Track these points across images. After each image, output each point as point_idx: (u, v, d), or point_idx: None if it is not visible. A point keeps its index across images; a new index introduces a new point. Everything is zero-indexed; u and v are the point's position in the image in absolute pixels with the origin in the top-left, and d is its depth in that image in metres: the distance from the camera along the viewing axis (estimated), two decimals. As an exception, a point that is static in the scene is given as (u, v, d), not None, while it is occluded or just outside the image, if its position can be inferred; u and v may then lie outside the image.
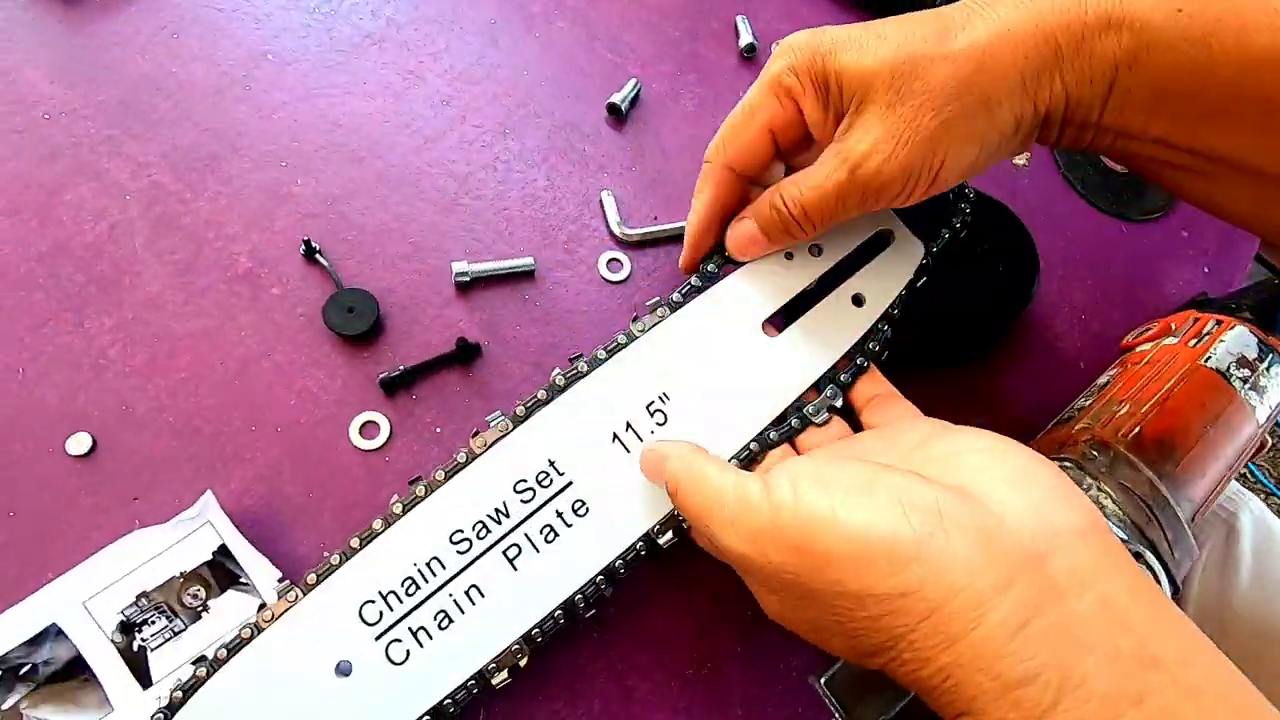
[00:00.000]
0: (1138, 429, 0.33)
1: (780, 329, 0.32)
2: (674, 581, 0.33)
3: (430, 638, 0.28)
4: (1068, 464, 0.32)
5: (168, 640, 0.29)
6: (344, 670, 0.28)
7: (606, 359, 0.31)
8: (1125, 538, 0.28)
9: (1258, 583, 0.43)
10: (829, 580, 0.22)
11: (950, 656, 0.20)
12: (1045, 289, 0.43)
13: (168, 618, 0.29)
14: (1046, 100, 0.27)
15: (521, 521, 0.29)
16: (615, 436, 0.30)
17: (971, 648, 0.20)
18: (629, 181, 0.41)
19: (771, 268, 0.33)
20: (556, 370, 0.31)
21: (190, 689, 0.27)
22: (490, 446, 0.30)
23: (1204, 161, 0.27)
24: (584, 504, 0.30)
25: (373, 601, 0.28)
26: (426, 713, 0.28)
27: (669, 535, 0.30)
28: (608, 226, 0.40)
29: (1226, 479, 0.35)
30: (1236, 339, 0.37)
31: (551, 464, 0.30)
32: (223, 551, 0.30)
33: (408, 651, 0.28)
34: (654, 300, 0.32)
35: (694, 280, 0.32)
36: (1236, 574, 0.43)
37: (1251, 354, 0.37)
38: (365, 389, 0.34)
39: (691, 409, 0.31)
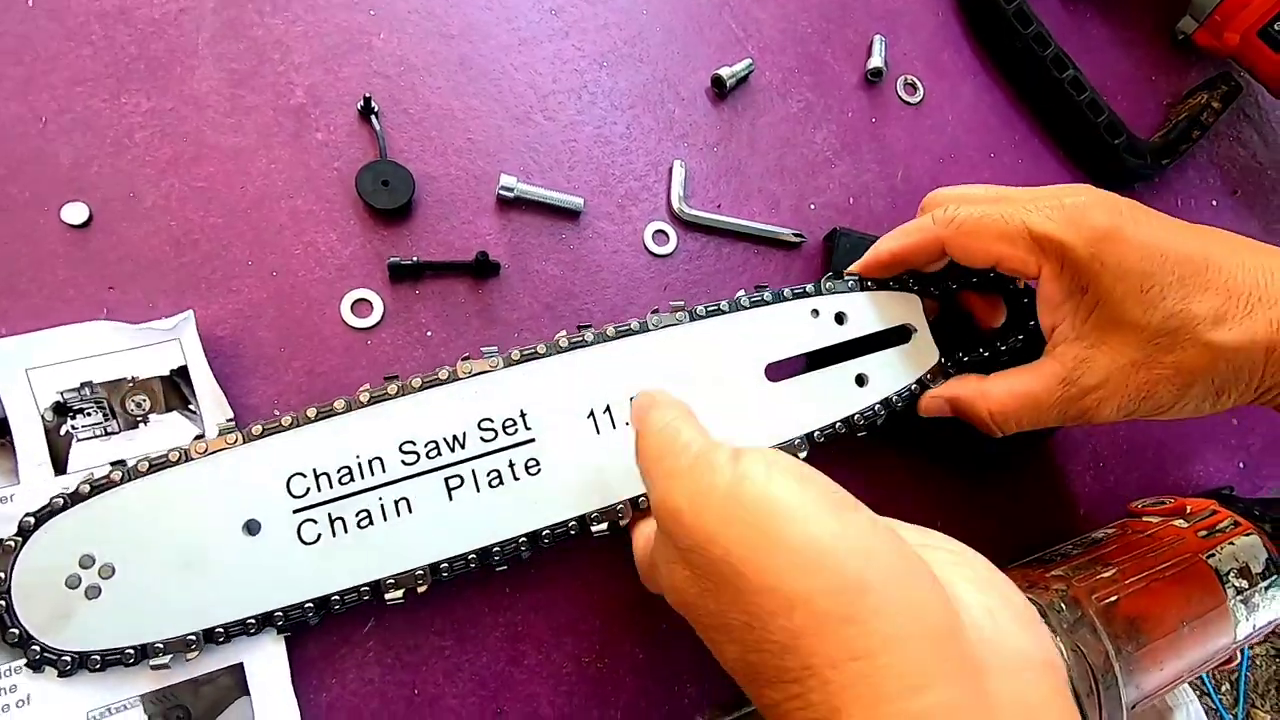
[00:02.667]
0: (1114, 599, 0.32)
1: (780, 378, 0.32)
2: (597, 574, 0.33)
3: (345, 531, 0.28)
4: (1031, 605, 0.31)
5: (96, 437, 0.29)
6: (251, 529, 0.28)
7: (614, 338, 0.31)
8: None
9: None
10: (764, 569, 0.19)
11: (867, 717, 0.18)
12: (1074, 429, 0.42)
13: (105, 415, 0.29)
14: (1267, 396, 0.28)
15: (474, 457, 0.29)
16: (591, 413, 0.30)
17: (899, 718, 0.18)
18: (706, 160, 0.40)
19: (794, 318, 0.33)
20: (563, 332, 0.31)
21: (100, 488, 0.27)
22: (473, 375, 0.30)
23: None
24: (537, 464, 0.30)
25: (304, 475, 0.28)
26: (313, 600, 0.28)
27: (603, 525, 0.30)
28: (669, 196, 0.38)
29: (1182, 680, 0.34)
30: (1247, 547, 0.36)
31: (523, 415, 0.30)
32: (181, 373, 0.30)
33: (319, 535, 0.28)
34: (678, 301, 0.32)
35: (723, 305, 0.32)
36: None
37: (1256, 568, 0.35)
38: (371, 266, 0.33)
39: None
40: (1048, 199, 0.29)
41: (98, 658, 0.26)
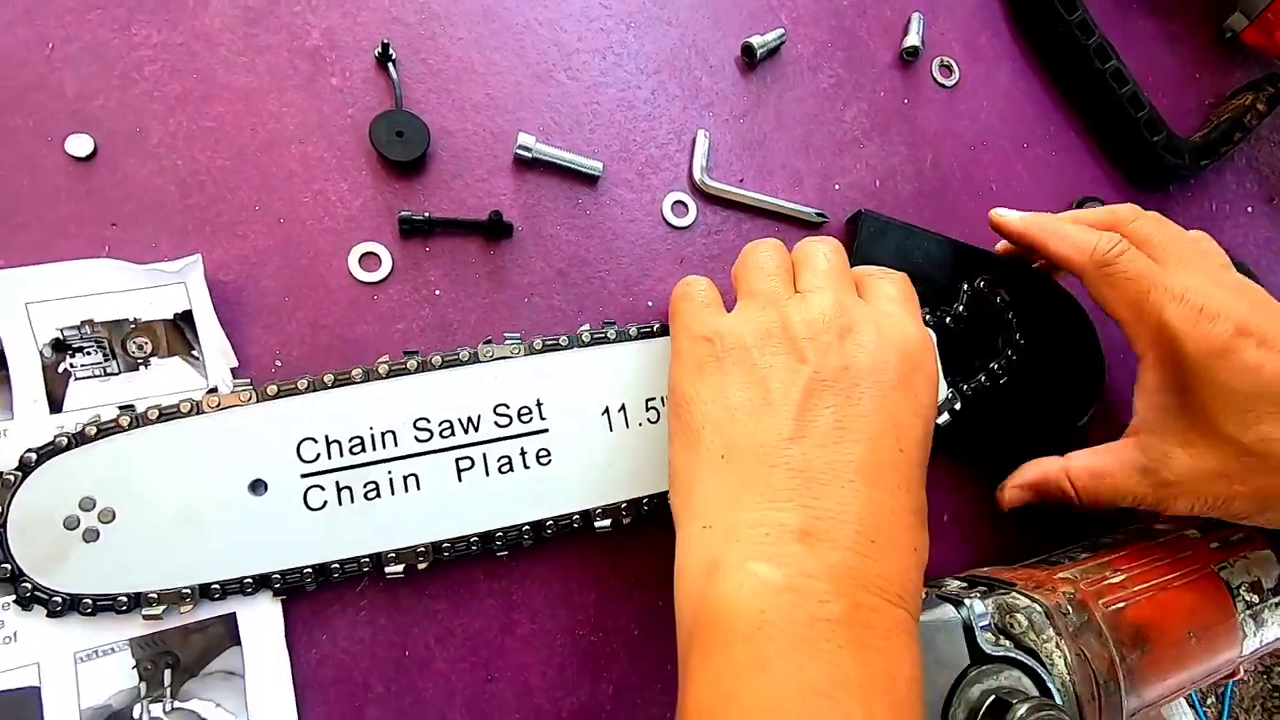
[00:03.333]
0: (1122, 605, 0.32)
1: None
2: (595, 553, 0.32)
3: (351, 501, 0.28)
4: (1038, 608, 0.31)
5: (95, 377, 0.28)
6: (257, 489, 0.28)
7: (635, 338, 0.32)
8: (1062, 705, 0.26)
9: None
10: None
11: None
12: (1109, 429, 0.41)
13: (105, 356, 0.28)
14: None
15: (486, 441, 0.29)
16: (606, 410, 0.31)
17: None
18: (731, 131, 0.38)
19: None
20: (586, 326, 0.32)
21: (106, 431, 0.27)
22: (494, 359, 0.30)
23: None
24: (549, 455, 0.30)
25: (315, 441, 0.28)
26: (313, 565, 0.28)
27: (606, 522, 0.30)
28: (690, 167, 0.37)
29: (1184, 691, 0.33)
30: (1261, 562, 0.35)
31: (539, 405, 0.30)
32: (185, 318, 0.29)
33: (325, 502, 0.28)
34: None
35: None
36: None
37: (1268, 583, 0.35)
38: (382, 219, 0.32)
39: None
40: (1196, 294, 0.29)
41: (89, 602, 0.26)
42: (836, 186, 0.40)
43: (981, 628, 0.28)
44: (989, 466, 0.38)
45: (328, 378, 0.28)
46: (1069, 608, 0.31)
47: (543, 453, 0.30)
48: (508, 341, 0.30)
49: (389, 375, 0.29)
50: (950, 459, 0.37)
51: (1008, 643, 0.29)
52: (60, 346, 0.28)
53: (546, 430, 0.30)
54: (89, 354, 0.28)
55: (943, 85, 0.43)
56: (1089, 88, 0.44)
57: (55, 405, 0.28)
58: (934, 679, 0.27)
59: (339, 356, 0.31)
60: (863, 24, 0.42)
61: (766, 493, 0.24)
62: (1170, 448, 0.30)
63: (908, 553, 0.24)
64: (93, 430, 0.27)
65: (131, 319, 0.29)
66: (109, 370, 0.28)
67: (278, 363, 0.30)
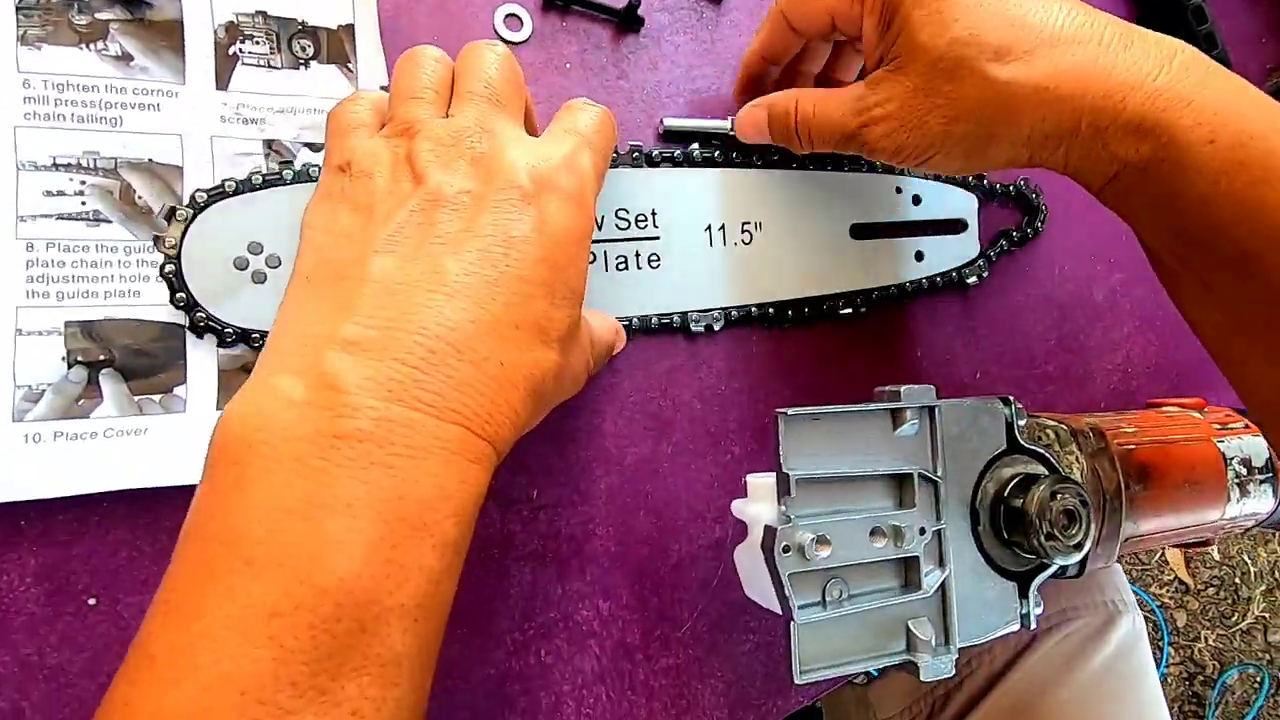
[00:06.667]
0: (1132, 447, 0.36)
1: (860, 238, 0.38)
2: (685, 349, 0.36)
3: None
4: (1063, 428, 0.35)
5: (260, 66, 0.31)
6: None
7: (738, 165, 0.36)
8: (1086, 499, 0.30)
9: (1081, 693, 0.46)
10: None
11: None
12: (1109, 332, 0.45)
13: (271, 49, 0.31)
14: (1044, 160, 0.29)
15: (608, 240, 0.34)
16: (708, 228, 0.36)
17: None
18: None
19: (881, 190, 0.39)
20: (695, 145, 0.35)
21: (271, 182, 0.30)
22: (616, 167, 0.34)
23: (1178, 273, 0.30)
24: (658, 259, 0.35)
25: None
26: None
27: (700, 325, 0.35)
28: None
29: (1169, 539, 0.38)
30: (1253, 444, 0.40)
31: (653, 214, 0.35)
32: (347, 31, 0.32)
33: None
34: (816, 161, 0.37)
35: (834, 162, 0.38)
36: (1075, 671, 0.47)
37: (1257, 463, 0.39)
38: (528, -13, 0.35)
39: (772, 247, 0.37)
40: None
41: (258, 336, 0.29)
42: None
43: (1020, 425, 0.32)
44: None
45: None
46: (1090, 433, 0.35)
47: (654, 257, 0.35)
48: (629, 148, 0.34)
49: None
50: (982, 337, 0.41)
51: (1036, 449, 0.33)
52: (233, 29, 0.30)
53: (659, 238, 0.35)
54: (258, 43, 0.31)
55: None
56: (1169, 15, 0.48)
57: (221, 83, 0.30)
58: (977, 449, 0.31)
59: (474, 103, 0.34)
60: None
61: (332, 305, 0.22)
62: (883, 76, 0.29)
63: (483, 365, 0.22)
64: (258, 179, 0.29)
65: (300, 20, 0.31)
66: (273, 64, 0.31)
67: (420, 94, 0.33)
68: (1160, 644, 1.20)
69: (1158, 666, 1.18)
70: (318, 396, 0.20)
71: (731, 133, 0.36)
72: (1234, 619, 1.25)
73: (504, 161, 0.24)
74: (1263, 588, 1.26)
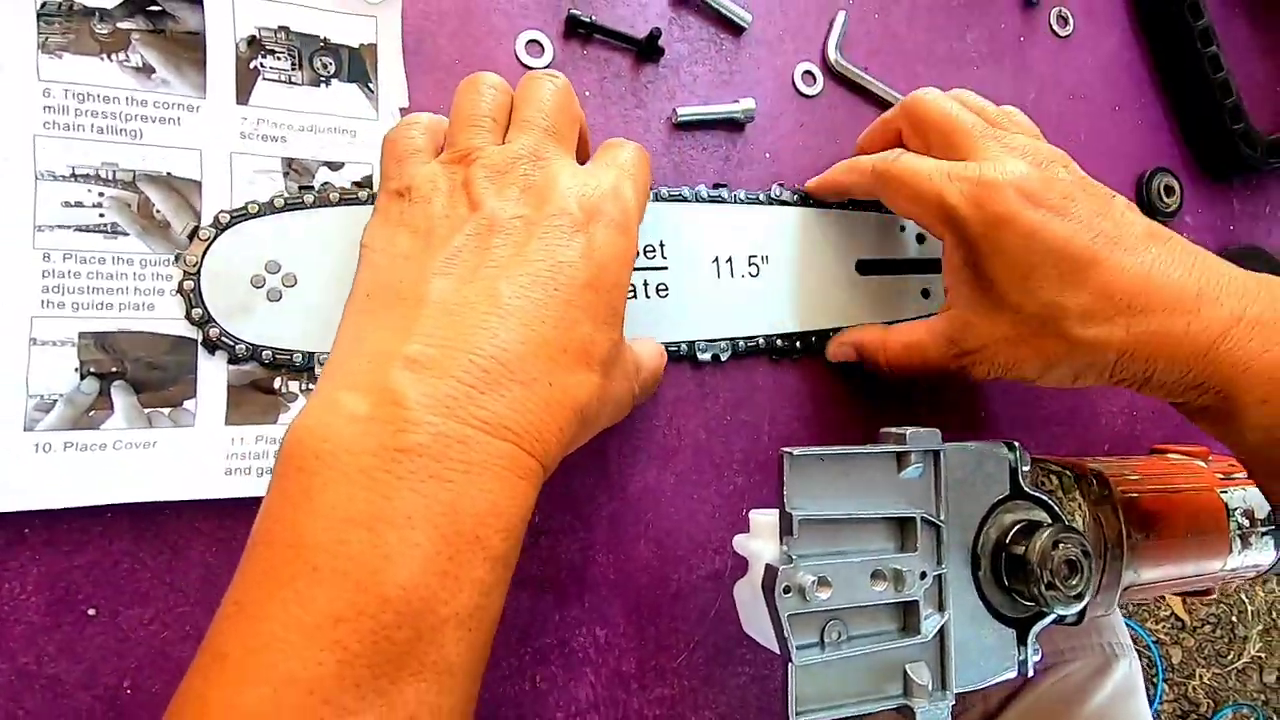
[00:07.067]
0: (1136, 495, 0.36)
1: (865, 274, 0.39)
2: (693, 378, 0.36)
3: None
4: (1067, 474, 0.35)
5: (280, 82, 0.31)
6: None
7: (745, 202, 0.37)
8: (1088, 549, 0.30)
9: None
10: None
11: None
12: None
13: (292, 65, 0.31)
14: (1119, 383, 0.32)
15: None
16: (716, 260, 0.36)
17: None
18: (866, 21, 0.42)
19: (885, 228, 0.39)
20: (701, 186, 0.36)
21: (292, 205, 0.30)
22: None
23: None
24: (666, 289, 0.35)
25: None
26: None
27: (707, 355, 0.35)
28: (825, 42, 0.40)
29: (1172, 587, 0.37)
30: (1256, 496, 0.40)
31: (661, 245, 0.35)
32: (369, 51, 0.32)
33: None
34: (799, 190, 0.38)
35: (839, 201, 0.38)
36: (1070, 715, 0.46)
37: (1260, 514, 0.39)
38: (549, 14, 0.35)
39: (779, 281, 0.37)
40: (970, 171, 0.31)
41: (270, 354, 0.29)
42: (946, 98, 0.43)
43: (1024, 471, 0.32)
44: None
45: None
46: (1094, 480, 0.35)
47: (662, 287, 0.35)
48: None
49: None
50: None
51: (1040, 495, 0.33)
52: (255, 45, 0.31)
53: (667, 269, 0.35)
54: (279, 59, 0.31)
55: (1057, 34, 0.46)
56: (1186, 67, 0.48)
57: (242, 97, 0.30)
58: (980, 494, 0.31)
59: (492, 126, 0.34)
60: (995, -41, 0.46)
61: (393, 324, 0.23)
62: (970, 318, 0.32)
63: (533, 386, 0.23)
64: (280, 202, 0.30)
65: (323, 38, 0.31)
66: (294, 80, 0.31)
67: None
68: (1155, 680, 1.19)
69: (1151, 704, 1.17)
70: (381, 412, 0.21)
71: (739, 117, 0.37)
72: (1230, 658, 1.24)
73: (556, 189, 0.25)
74: (1259, 627, 1.26)
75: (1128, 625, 0.50)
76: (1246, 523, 0.39)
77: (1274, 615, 1.28)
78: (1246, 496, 0.39)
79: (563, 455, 0.25)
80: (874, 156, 0.34)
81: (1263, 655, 1.25)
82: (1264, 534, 0.39)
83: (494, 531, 0.21)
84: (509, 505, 0.22)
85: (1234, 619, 1.26)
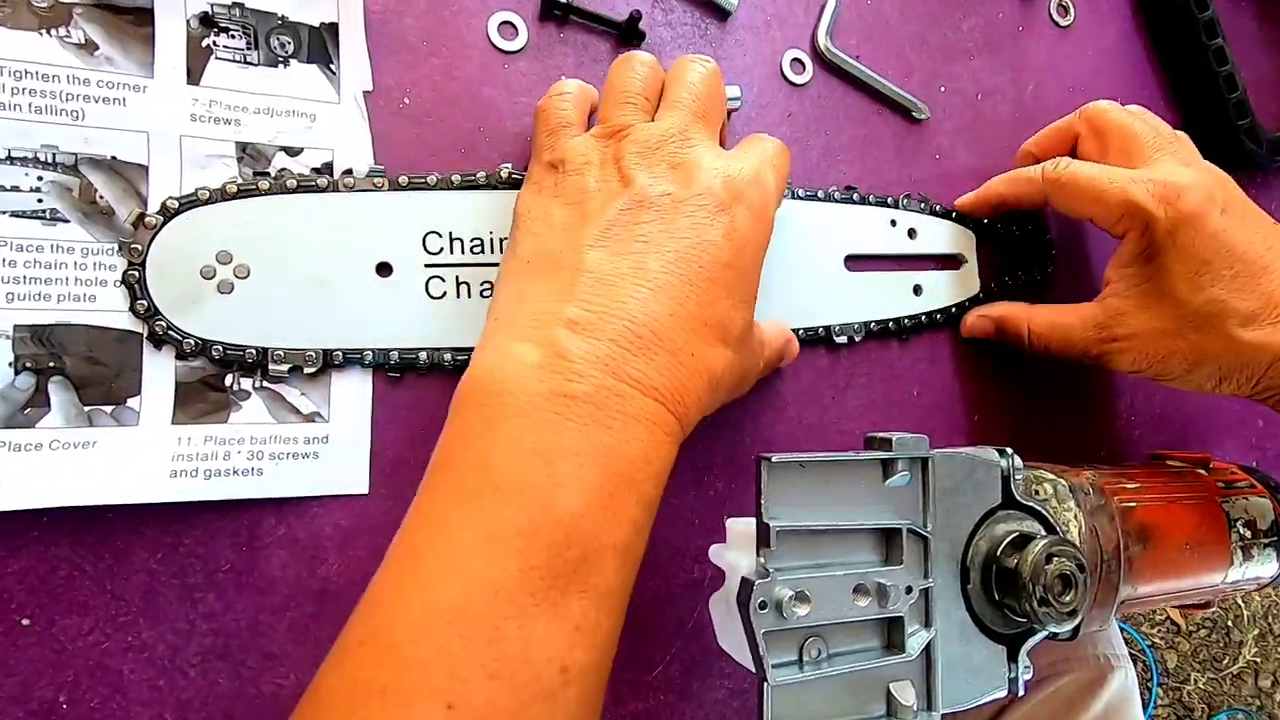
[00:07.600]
0: (1133, 505, 0.34)
1: (854, 270, 0.37)
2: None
3: (469, 296, 0.31)
4: (1061, 483, 0.33)
5: (235, 61, 0.29)
6: (382, 271, 0.30)
7: None
8: (1083, 563, 0.28)
9: None
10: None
11: None
12: (1112, 378, 0.44)
13: (248, 44, 0.29)
14: (1260, 395, 0.33)
15: None
16: None
17: None
18: (856, 7, 0.40)
19: (875, 222, 0.38)
20: None
21: (246, 192, 0.28)
22: None
23: None
24: None
25: (439, 235, 0.30)
26: (428, 349, 0.30)
27: None
28: (815, 29, 0.39)
29: (1169, 600, 0.36)
30: (1258, 505, 0.38)
31: None
32: (330, 30, 0.30)
33: (445, 293, 0.30)
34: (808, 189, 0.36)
35: (826, 192, 0.37)
36: None
37: (1262, 525, 0.38)
38: (526, -6, 0.34)
39: (765, 277, 0.33)
40: (1154, 174, 0.33)
41: (220, 349, 0.28)
42: (942, 89, 0.42)
43: (1016, 479, 0.30)
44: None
45: (455, 177, 0.31)
46: (1089, 489, 0.33)
47: None
48: None
49: (511, 183, 0.31)
50: (986, 378, 0.40)
51: (1033, 504, 0.31)
52: (207, 21, 0.29)
53: None
54: (233, 36, 0.29)
55: (1057, 23, 0.45)
56: (1189, 58, 0.46)
57: (193, 78, 0.29)
58: (970, 503, 0.29)
59: (463, 112, 0.32)
60: (995, -55, 0.44)
61: (552, 288, 0.25)
62: (1128, 307, 0.34)
63: (678, 354, 0.25)
64: (233, 189, 0.28)
65: (280, 15, 0.30)
66: (249, 60, 0.29)
67: (405, 100, 0.31)
68: (1149, 685, 1.18)
69: (1146, 709, 1.17)
70: (550, 362, 0.24)
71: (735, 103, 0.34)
72: (1225, 662, 1.23)
73: (702, 170, 0.27)
74: (1255, 632, 1.25)
75: (1123, 629, 0.50)
76: (1249, 534, 0.37)
77: (1269, 620, 1.27)
78: (1249, 506, 0.38)
79: (699, 419, 0.27)
80: (1038, 167, 0.36)
81: (1258, 660, 1.24)
82: (1266, 545, 0.38)
83: (645, 477, 0.24)
84: (656, 455, 0.24)
85: (1229, 624, 1.25)
